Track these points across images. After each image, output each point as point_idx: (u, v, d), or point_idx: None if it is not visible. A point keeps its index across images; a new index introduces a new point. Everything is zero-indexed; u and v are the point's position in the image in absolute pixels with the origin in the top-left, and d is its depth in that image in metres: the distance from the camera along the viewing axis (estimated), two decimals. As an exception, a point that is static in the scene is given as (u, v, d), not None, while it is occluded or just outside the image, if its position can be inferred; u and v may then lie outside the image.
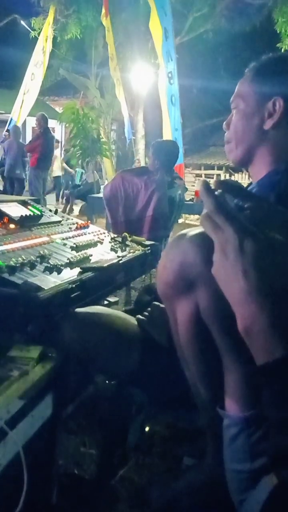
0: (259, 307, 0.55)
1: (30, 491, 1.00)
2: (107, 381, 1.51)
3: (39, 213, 1.84)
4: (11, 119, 9.11)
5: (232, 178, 10.28)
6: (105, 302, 1.87)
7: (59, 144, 11.42)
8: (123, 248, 1.85)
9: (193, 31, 10.69)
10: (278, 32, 9.59)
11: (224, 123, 1.24)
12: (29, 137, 11.15)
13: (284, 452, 0.58)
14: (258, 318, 0.55)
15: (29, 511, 1.01)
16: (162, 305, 1.35)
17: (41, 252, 1.48)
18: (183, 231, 1.02)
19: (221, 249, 0.58)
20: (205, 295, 0.96)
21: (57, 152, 9.68)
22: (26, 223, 1.71)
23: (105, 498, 1.33)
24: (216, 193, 0.60)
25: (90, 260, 1.57)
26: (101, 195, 4.37)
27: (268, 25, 10.08)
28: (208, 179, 0.85)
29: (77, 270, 1.44)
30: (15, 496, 1.00)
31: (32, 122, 9.60)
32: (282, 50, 9.54)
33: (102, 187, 6.41)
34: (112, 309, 1.52)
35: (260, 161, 1.17)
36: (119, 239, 1.94)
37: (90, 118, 7.60)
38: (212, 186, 0.62)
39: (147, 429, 1.56)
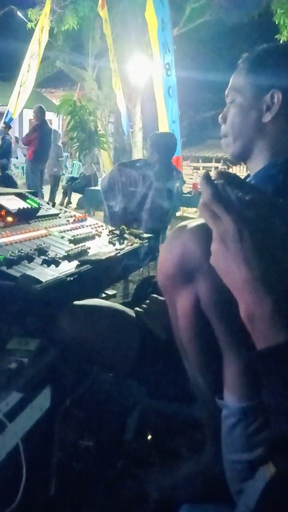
0: (262, 294, 0.56)
1: (29, 483, 1.01)
2: (105, 374, 1.52)
3: (36, 206, 1.84)
4: (8, 111, 9.05)
5: (230, 170, 10.26)
6: (103, 295, 1.87)
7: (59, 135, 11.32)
8: (121, 241, 1.84)
9: (191, 22, 10.61)
10: (276, 23, 9.53)
11: (220, 116, 1.22)
12: (26, 129, 11.08)
13: (282, 441, 0.58)
14: (261, 305, 0.56)
15: (27, 503, 1.02)
16: (160, 298, 1.36)
17: (39, 245, 1.48)
18: (183, 223, 1.02)
19: (220, 238, 0.58)
20: (205, 286, 0.96)
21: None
22: (24, 216, 1.71)
23: (103, 490, 1.34)
24: (217, 183, 0.60)
25: (88, 253, 1.57)
26: (98, 188, 4.36)
27: (267, 16, 10.01)
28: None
29: (75, 263, 1.44)
30: (14, 487, 1.01)
31: (29, 115, 9.55)
32: (281, 41, 9.49)
33: (100, 179, 6.39)
34: (110, 302, 1.52)
35: (258, 155, 1.16)
36: (117, 232, 1.94)
37: (87, 110, 7.55)
38: (213, 178, 0.62)
39: (149, 437, 1.57)
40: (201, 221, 0.95)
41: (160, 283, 1.09)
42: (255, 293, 0.56)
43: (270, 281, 0.56)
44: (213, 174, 0.64)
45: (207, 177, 0.61)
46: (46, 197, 7.11)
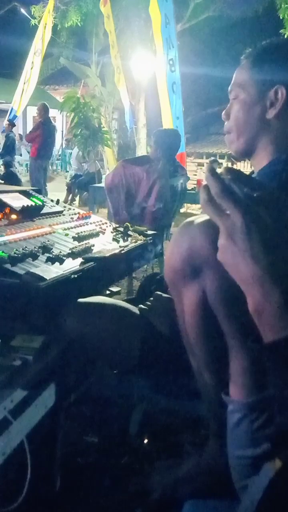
0: (270, 288, 0.56)
1: (34, 479, 1.01)
2: (108, 371, 1.52)
3: (40, 203, 1.84)
4: (12, 108, 9.07)
5: (235, 166, 10.23)
6: (107, 292, 1.87)
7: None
8: (125, 238, 1.84)
9: (195, 17, 10.56)
10: (281, 18, 9.46)
11: (223, 113, 1.21)
12: (29, 126, 11.09)
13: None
14: (268, 298, 0.57)
15: (32, 499, 1.03)
16: (164, 295, 1.36)
17: (43, 242, 1.48)
18: (190, 218, 1.03)
19: (227, 233, 0.58)
20: (212, 281, 0.97)
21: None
22: (28, 214, 1.71)
23: (107, 486, 1.34)
24: (223, 177, 0.60)
25: (92, 250, 1.57)
26: (102, 185, 4.36)
27: (271, 11, 9.94)
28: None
29: (79, 260, 1.44)
30: (19, 484, 1.02)
31: (33, 112, 9.55)
32: (286, 36, 9.43)
33: (103, 177, 6.39)
34: (114, 299, 1.52)
35: (262, 151, 1.15)
36: (121, 229, 1.94)
37: (91, 107, 7.54)
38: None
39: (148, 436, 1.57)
40: (208, 216, 0.95)
41: (167, 278, 1.09)
42: (262, 286, 0.57)
43: (278, 274, 0.57)
44: (216, 170, 0.63)
45: (212, 171, 0.60)
46: (50, 194, 7.13)
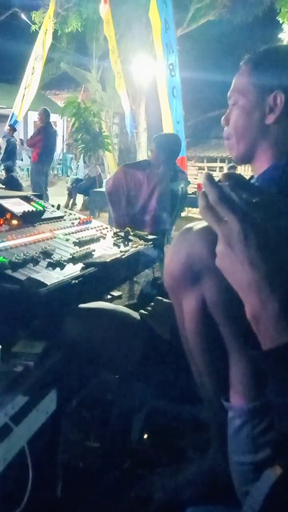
0: (267, 295, 0.56)
1: (35, 485, 1.01)
2: (110, 376, 1.52)
3: (41, 208, 1.85)
4: (13, 113, 9.10)
5: (235, 171, 10.24)
6: (108, 297, 1.87)
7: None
8: (126, 243, 1.85)
9: (195, 22, 10.60)
10: (280, 22, 9.50)
11: (223, 118, 1.21)
12: (30, 131, 11.12)
13: None
14: (266, 305, 0.57)
15: (34, 505, 1.02)
16: (165, 300, 1.36)
17: (44, 247, 1.48)
18: (189, 225, 1.03)
19: (225, 240, 0.59)
20: (211, 287, 0.97)
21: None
22: (29, 219, 1.71)
23: (108, 491, 1.34)
24: (220, 184, 0.61)
25: (93, 255, 1.58)
26: (103, 189, 4.37)
27: (271, 15, 9.98)
28: (210, 172, 0.86)
29: (80, 265, 1.44)
30: (21, 490, 1.01)
31: (34, 117, 9.58)
32: (285, 41, 9.46)
33: (104, 181, 6.40)
34: (115, 304, 1.53)
35: (262, 156, 1.15)
36: (122, 233, 1.94)
37: (92, 112, 7.56)
38: (217, 179, 0.62)
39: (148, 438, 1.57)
40: (207, 223, 0.95)
41: (166, 284, 1.10)
42: (260, 293, 0.57)
43: (275, 281, 0.57)
44: (217, 174, 0.64)
45: (210, 178, 0.61)
46: (51, 199, 7.14)
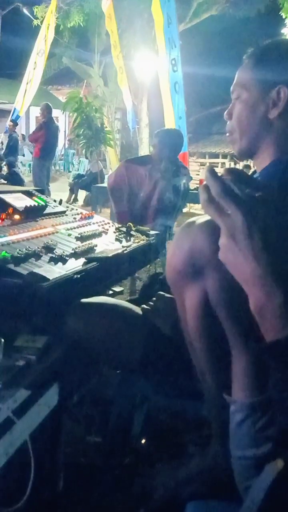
0: (271, 287, 0.57)
1: (37, 479, 1.02)
2: (111, 371, 1.52)
3: (43, 203, 1.85)
4: (15, 109, 9.08)
5: (237, 166, 10.22)
6: (110, 292, 1.87)
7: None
8: (128, 238, 1.85)
9: (197, 17, 10.55)
10: (283, 17, 9.44)
11: (225, 113, 1.21)
12: (32, 126, 11.10)
13: None
14: (270, 298, 0.57)
15: (36, 499, 1.03)
16: (167, 295, 1.36)
17: (46, 242, 1.48)
18: (192, 219, 1.02)
19: (228, 233, 0.59)
20: (213, 282, 0.97)
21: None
22: (31, 214, 1.71)
23: (110, 487, 1.35)
24: (223, 178, 0.60)
25: (95, 250, 1.58)
26: (105, 185, 4.36)
27: (274, 10, 9.91)
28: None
29: (82, 260, 1.44)
30: (23, 484, 1.02)
31: (36, 112, 9.56)
32: (288, 35, 9.40)
33: (106, 176, 6.39)
34: (116, 299, 1.53)
35: (264, 151, 1.15)
36: (124, 229, 1.94)
37: (93, 107, 7.55)
38: (220, 174, 0.62)
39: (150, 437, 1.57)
40: (209, 216, 0.95)
41: (168, 279, 1.09)
42: (264, 286, 0.57)
43: (279, 273, 0.57)
44: (219, 170, 0.64)
45: (212, 171, 0.61)
46: (53, 194, 7.15)
